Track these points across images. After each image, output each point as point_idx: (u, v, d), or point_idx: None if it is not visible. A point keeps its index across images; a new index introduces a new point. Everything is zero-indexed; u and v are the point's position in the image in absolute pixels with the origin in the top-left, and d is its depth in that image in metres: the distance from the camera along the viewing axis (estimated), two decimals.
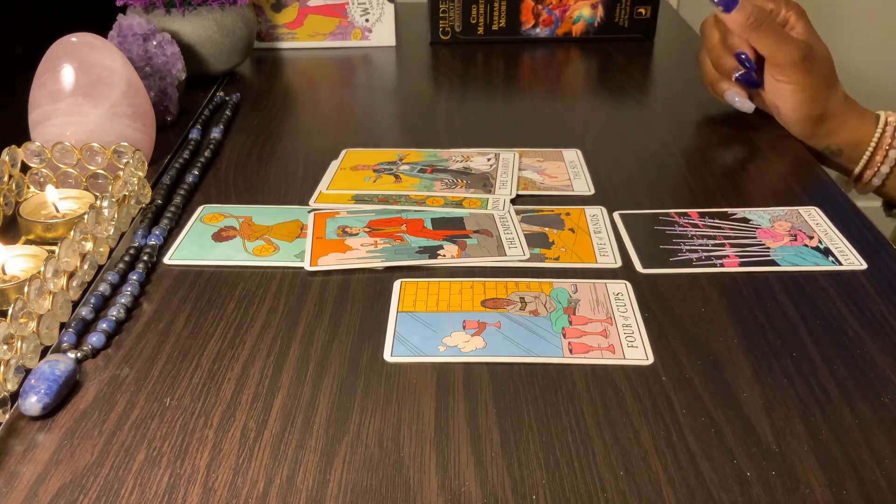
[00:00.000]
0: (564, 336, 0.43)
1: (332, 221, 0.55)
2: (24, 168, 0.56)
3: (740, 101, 0.68)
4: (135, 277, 0.48)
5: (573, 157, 0.65)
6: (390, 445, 0.36)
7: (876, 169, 0.65)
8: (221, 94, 0.78)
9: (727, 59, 0.67)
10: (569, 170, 0.62)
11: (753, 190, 0.59)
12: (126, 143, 0.56)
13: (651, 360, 0.42)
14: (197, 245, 0.53)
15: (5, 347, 0.39)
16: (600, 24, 0.94)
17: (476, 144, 0.67)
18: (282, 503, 0.34)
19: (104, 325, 0.44)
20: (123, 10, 0.76)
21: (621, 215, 0.56)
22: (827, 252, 0.51)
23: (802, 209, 0.56)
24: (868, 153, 0.65)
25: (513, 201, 0.57)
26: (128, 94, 0.59)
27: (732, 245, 0.52)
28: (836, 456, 0.36)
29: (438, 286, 0.48)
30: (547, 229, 0.54)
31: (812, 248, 0.51)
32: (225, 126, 0.71)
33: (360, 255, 0.51)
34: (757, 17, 0.62)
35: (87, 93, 0.57)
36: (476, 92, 0.80)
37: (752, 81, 0.66)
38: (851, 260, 0.50)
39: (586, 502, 0.33)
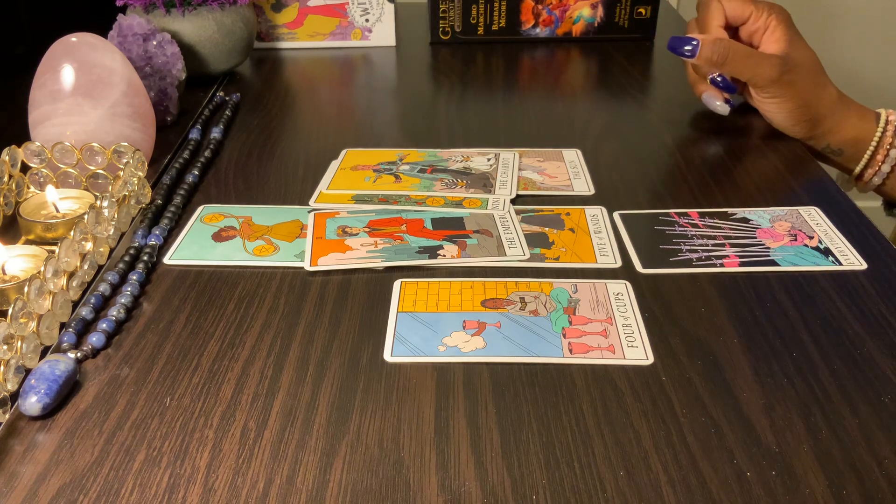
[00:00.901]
0: (564, 336, 0.43)
1: (332, 221, 0.55)
2: (24, 168, 0.56)
3: (719, 104, 0.68)
4: (135, 277, 0.48)
5: (573, 157, 0.65)
6: (390, 445, 0.36)
7: (877, 168, 0.65)
8: (221, 94, 0.78)
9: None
10: (569, 170, 0.62)
11: (753, 190, 0.59)
12: (126, 143, 0.56)
13: (651, 360, 0.42)
14: (197, 245, 0.53)
15: (5, 347, 0.39)
16: (600, 24, 0.94)
17: (476, 144, 0.67)
18: (282, 503, 0.34)
19: (104, 325, 0.44)
20: (123, 10, 0.76)
21: (621, 215, 0.56)
22: (827, 252, 0.51)
23: (802, 209, 0.56)
24: (869, 152, 0.65)
25: (513, 201, 0.57)
26: (128, 94, 0.59)
27: (732, 245, 0.52)
28: (836, 456, 0.36)
29: (438, 286, 0.48)
30: (547, 229, 0.54)
31: (812, 248, 0.51)
32: (225, 126, 0.71)
33: (360, 255, 0.51)
34: (720, 53, 0.62)
35: (87, 93, 0.57)
36: (476, 92, 0.80)
37: (729, 86, 0.66)
38: (851, 260, 0.50)
39: (586, 502, 0.33)
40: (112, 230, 0.51)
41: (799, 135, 0.66)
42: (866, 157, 0.65)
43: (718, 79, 0.66)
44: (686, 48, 0.63)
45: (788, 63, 0.62)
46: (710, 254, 0.51)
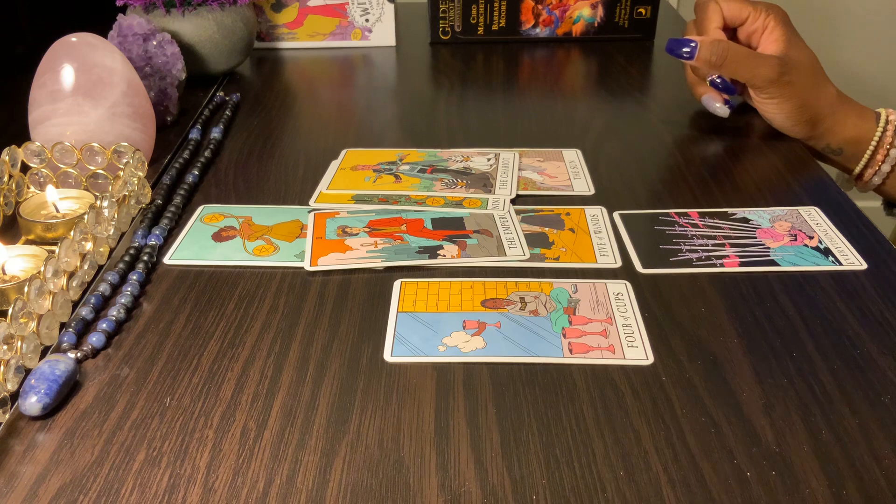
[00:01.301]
0: (564, 336, 0.43)
1: (332, 221, 0.55)
2: (24, 168, 0.56)
3: (719, 106, 0.67)
4: (135, 277, 0.48)
5: (573, 157, 0.65)
6: (390, 445, 0.36)
7: (877, 168, 0.65)
8: (221, 94, 0.78)
9: None
10: (569, 170, 0.62)
11: (754, 190, 0.59)
12: (126, 143, 0.56)
13: (651, 360, 0.42)
14: (197, 245, 0.53)
15: (5, 347, 0.39)
16: (600, 24, 0.94)
17: (476, 144, 0.67)
18: (282, 503, 0.34)
19: (104, 325, 0.44)
20: (123, 10, 0.76)
21: (621, 215, 0.56)
22: (827, 252, 0.51)
23: (802, 209, 0.56)
24: (869, 152, 0.65)
25: (513, 201, 0.57)
26: (128, 94, 0.59)
27: (732, 245, 0.52)
28: (836, 456, 0.36)
29: (438, 286, 0.48)
30: (547, 229, 0.54)
31: (812, 248, 0.51)
32: (225, 126, 0.71)
33: (360, 255, 0.51)
34: (718, 54, 0.62)
35: (87, 93, 0.57)
36: (476, 92, 0.80)
37: (728, 88, 0.66)
38: (851, 260, 0.50)
39: (586, 502, 0.33)
40: (112, 230, 0.51)
41: (799, 135, 0.66)
42: (866, 156, 0.65)
43: (717, 80, 0.66)
44: (684, 50, 0.63)
45: (787, 63, 0.62)
46: (710, 254, 0.51)
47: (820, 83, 0.64)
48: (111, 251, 0.52)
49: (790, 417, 0.38)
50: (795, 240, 0.52)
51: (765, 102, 0.64)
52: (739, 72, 0.63)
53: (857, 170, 0.66)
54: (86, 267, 0.48)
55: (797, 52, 0.63)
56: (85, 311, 0.45)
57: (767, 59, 0.62)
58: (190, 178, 0.60)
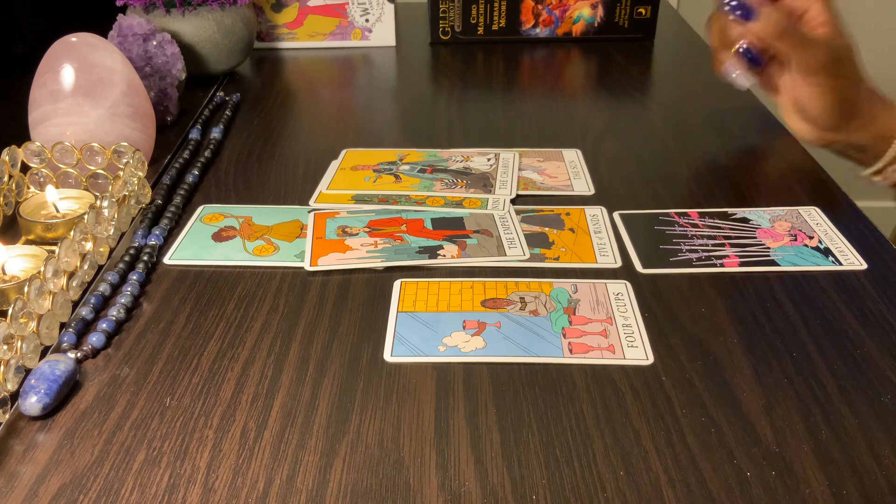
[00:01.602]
0: (564, 336, 0.43)
1: (332, 221, 0.55)
2: (24, 168, 0.56)
3: (738, 74, 0.63)
4: (135, 277, 0.48)
5: (573, 157, 0.65)
6: (390, 445, 0.37)
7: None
8: (221, 94, 0.78)
9: (734, 28, 0.62)
10: (569, 170, 0.62)
11: (753, 190, 0.59)
12: (126, 143, 0.56)
13: (651, 360, 0.42)
14: (197, 245, 0.53)
15: (5, 347, 0.39)
16: (600, 24, 0.94)
17: (476, 144, 0.67)
18: (282, 503, 0.34)
19: (104, 325, 0.44)
20: (123, 10, 0.76)
21: (621, 215, 0.56)
22: (827, 252, 0.51)
23: (802, 209, 0.56)
24: (894, 147, 0.61)
25: (513, 201, 0.57)
26: (128, 94, 0.59)
27: (732, 245, 0.52)
28: (836, 456, 0.36)
29: (438, 286, 0.48)
30: (547, 229, 0.54)
31: (812, 248, 0.51)
32: (225, 126, 0.71)
33: (360, 255, 0.51)
34: (783, 26, 0.58)
35: (87, 93, 0.57)
36: (476, 92, 0.80)
37: (755, 59, 0.62)
38: (851, 260, 0.50)
39: (586, 502, 0.33)
40: (112, 230, 0.51)
41: (827, 128, 0.61)
42: (892, 153, 0.61)
43: (747, 50, 0.61)
44: (745, 10, 0.58)
45: (837, 51, 0.59)
46: (710, 254, 0.51)
47: (858, 78, 0.61)
48: (111, 251, 0.52)
49: (790, 417, 0.38)
50: (795, 240, 0.52)
51: (810, 88, 0.60)
52: (793, 47, 0.59)
53: (880, 165, 0.64)
54: (86, 267, 0.48)
55: (843, 42, 0.60)
56: (85, 311, 0.45)
57: (820, 42, 0.59)
58: (190, 178, 0.60)
